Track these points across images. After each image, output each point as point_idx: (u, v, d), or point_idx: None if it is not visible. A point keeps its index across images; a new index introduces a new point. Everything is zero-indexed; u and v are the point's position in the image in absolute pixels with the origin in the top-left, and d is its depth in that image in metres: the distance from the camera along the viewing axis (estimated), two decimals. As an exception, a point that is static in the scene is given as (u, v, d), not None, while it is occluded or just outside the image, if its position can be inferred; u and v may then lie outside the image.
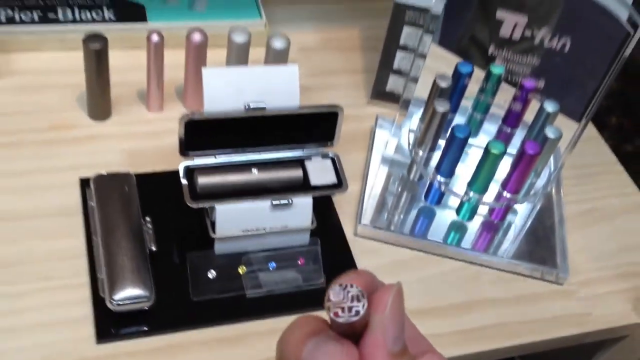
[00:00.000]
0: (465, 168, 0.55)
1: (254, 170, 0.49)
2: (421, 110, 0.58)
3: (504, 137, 0.58)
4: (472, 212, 0.56)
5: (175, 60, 0.58)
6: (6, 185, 0.52)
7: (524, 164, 0.52)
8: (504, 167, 0.54)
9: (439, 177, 0.54)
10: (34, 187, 0.52)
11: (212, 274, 0.49)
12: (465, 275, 0.53)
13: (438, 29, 0.54)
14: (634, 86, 0.84)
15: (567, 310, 0.52)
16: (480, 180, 0.53)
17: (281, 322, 0.47)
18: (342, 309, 0.25)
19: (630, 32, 0.48)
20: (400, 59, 0.62)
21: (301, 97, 0.49)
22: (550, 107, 0.54)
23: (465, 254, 0.54)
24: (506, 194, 0.54)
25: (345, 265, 0.52)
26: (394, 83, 0.64)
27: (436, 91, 0.54)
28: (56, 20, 0.62)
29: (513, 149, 0.56)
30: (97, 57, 0.54)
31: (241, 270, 0.49)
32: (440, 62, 0.57)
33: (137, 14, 0.64)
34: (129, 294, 0.45)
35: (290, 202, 0.49)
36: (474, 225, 0.56)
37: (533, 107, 0.57)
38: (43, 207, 0.51)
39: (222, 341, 0.47)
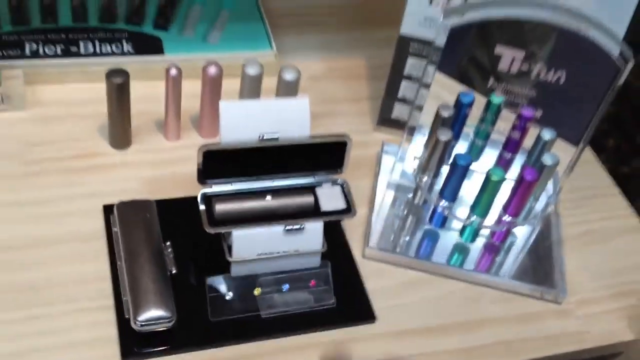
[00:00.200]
0: (468, 192, 0.58)
1: (268, 197, 0.52)
2: (425, 137, 0.61)
3: (504, 163, 0.61)
4: (475, 235, 0.59)
5: (190, 90, 0.61)
6: (34, 212, 0.55)
7: (522, 189, 0.55)
8: (505, 191, 0.57)
9: (442, 202, 0.57)
10: (60, 214, 0.56)
11: (229, 295, 0.52)
12: (468, 295, 0.56)
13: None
14: (630, 110, 0.87)
15: (565, 329, 0.55)
16: (481, 204, 0.56)
17: (295, 341, 0.51)
18: None
19: (620, 67, 0.51)
20: (405, 88, 0.65)
21: (311, 124, 0.52)
22: (547, 135, 0.57)
23: (468, 275, 0.57)
24: (506, 218, 0.57)
25: (354, 286, 0.55)
26: (399, 111, 0.67)
27: (439, 121, 0.57)
28: (78, 54, 0.66)
29: (514, 173, 0.59)
30: (119, 90, 0.57)
31: (256, 291, 0.52)
32: (442, 88, 0.60)
33: (155, 46, 0.68)
34: (152, 315, 0.48)
35: (302, 227, 0.52)
36: (476, 247, 0.59)
37: (533, 132, 0.60)
38: (69, 233, 0.54)
39: (240, 359, 0.49)
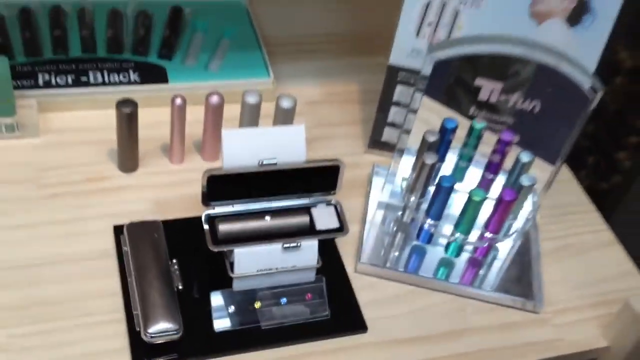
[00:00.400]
0: (452, 210, 0.62)
1: (267, 217, 0.56)
2: (413, 159, 0.65)
3: (486, 183, 0.65)
4: (459, 250, 0.63)
5: (193, 116, 0.65)
6: (49, 233, 0.59)
7: (502, 208, 0.60)
8: (487, 209, 0.61)
9: (428, 220, 0.62)
10: (73, 234, 0.59)
11: (231, 308, 0.56)
12: (453, 306, 0.60)
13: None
14: (607, 131, 0.92)
15: (543, 336, 0.59)
16: (464, 222, 0.60)
17: (293, 350, 0.55)
18: None
19: (590, 98, 0.56)
20: (394, 113, 0.70)
21: (307, 146, 0.55)
22: (525, 157, 0.62)
23: (453, 288, 0.61)
24: (488, 234, 0.61)
25: (346, 299, 0.59)
26: (388, 134, 0.71)
27: (425, 145, 0.62)
28: (88, 83, 0.69)
29: (495, 192, 0.63)
30: (128, 119, 0.61)
31: (257, 305, 0.56)
32: (429, 112, 0.64)
33: (159, 75, 0.72)
34: (161, 327, 0.52)
35: (299, 244, 0.56)
36: (460, 262, 0.63)
37: (512, 154, 0.64)
38: (82, 252, 0.58)
39: (242, 367, 0.54)
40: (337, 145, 0.71)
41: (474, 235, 0.62)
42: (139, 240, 0.57)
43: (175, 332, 0.52)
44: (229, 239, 0.55)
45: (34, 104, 0.66)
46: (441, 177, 0.60)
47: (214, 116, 0.65)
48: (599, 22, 0.62)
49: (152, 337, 0.52)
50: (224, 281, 0.56)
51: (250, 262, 0.55)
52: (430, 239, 0.63)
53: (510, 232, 0.63)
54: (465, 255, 0.63)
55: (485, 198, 0.59)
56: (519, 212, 0.63)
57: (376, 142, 0.71)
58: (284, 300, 0.57)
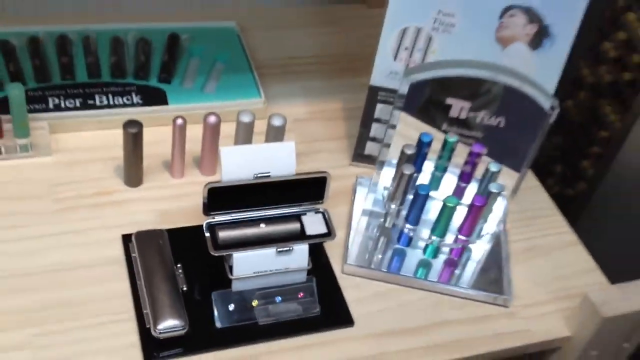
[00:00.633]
0: (429, 216, 0.68)
1: (262, 225, 0.61)
2: (393, 170, 0.71)
3: (459, 191, 0.71)
4: (436, 252, 0.69)
5: (190, 133, 0.69)
6: (64, 242, 0.64)
7: (473, 213, 0.66)
8: (461, 214, 0.68)
9: (408, 225, 0.68)
10: (86, 242, 0.64)
11: (231, 307, 0.61)
12: (431, 302, 0.65)
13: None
14: (573, 141, 0.98)
15: (512, 328, 0.64)
16: (440, 227, 0.67)
17: (287, 343, 0.61)
18: None
19: (550, 115, 0.63)
20: (376, 129, 0.75)
21: (296, 160, 0.60)
22: (493, 167, 0.68)
23: (431, 285, 0.66)
24: (461, 237, 0.68)
25: (335, 297, 0.64)
26: (370, 148, 0.76)
27: (404, 157, 0.68)
28: (94, 106, 0.74)
29: (468, 199, 0.69)
30: (134, 138, 0.67)
31: (254, 303, 0.61)
32: (407, 128, 0.69)
33: (160, 97, 0.76)
34: (169, 324, 0.57)
35: (291, 248, 0.61)
36: (437, 262, 0.68)
37: (483, 164, 0.70)
38: (94, 259, 0.63)
39: (241, 359, 0.59)
40: (323, 158, 0.76)
41: (449, 238, 0.68)
42: (146, 247, 0.62)
43: (181, 328, 0.58)
44: (228, 245, 0.60)
45: (46, 126, 0.71)
46: (418, 186, 0.66)
47: (212, 134, 0.70)
48: (558, 46, 0.68)
49: (160, 333, 0.57)
50: (223, 283, 0.61)
51: (247, 265, 0.60)
52: (409, 242, 0.69)
53: (482, 234, 0.69)
54: (441, 257, 0.69)
55: (458, 204, 0.66)
56: (488, 216, 0.69)
57: (359, 156, 0.77)
58: (278, 298, 0.62)
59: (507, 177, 0.69)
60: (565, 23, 0.67)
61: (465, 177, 0.70)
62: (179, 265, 0.62)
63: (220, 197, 0.60)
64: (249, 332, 0.60)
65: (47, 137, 0.71)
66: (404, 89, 0.66)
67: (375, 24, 0.69)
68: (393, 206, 0.68)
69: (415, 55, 0.70)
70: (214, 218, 0.61)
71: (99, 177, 0.71)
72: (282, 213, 0.62)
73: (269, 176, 0.60)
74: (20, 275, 0.61)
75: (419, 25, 0.68)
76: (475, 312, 0.65)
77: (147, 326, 0.58)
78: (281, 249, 0.60)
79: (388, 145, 0.69)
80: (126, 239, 0.65)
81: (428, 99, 0.68)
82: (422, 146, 0.69)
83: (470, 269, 0.69)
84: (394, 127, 0.68)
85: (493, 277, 0.68)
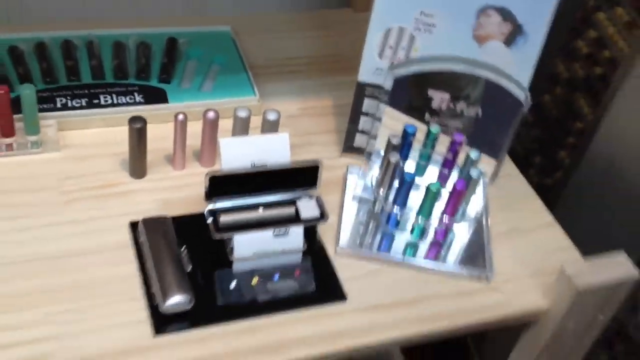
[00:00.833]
0: (415, 200, 0.73)
1: (260, 209, 0.66)
2: (380, 160, 0.76)
3: (443, 177, 0.76)
4: (422, 233, 0.74)
5: (190, 130, 0.74)
6: (75, 230, 0.68)
7: (455, 196, 0.71)
8: (445, 199, 0.73)
9: (395, 208, 0.73)
10: (96, 230, 0.69)
11: (232, 285, 0.66)
12: (419, 279, 0.70)
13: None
14: (550, 132, 1.03)
15: (493, 301, 0.69)
16: (425, 209, 0.72)
17: (284, 317, 0.65)
18: None
19: (524, 105, 0.68)
20: (364, 122, 0.80)
21: (290, 153, 0.65)
22: (473, 154, 0.73)
23: (418, 264, 0.71)
24: (445, 219, 0.73)
25: (328, 275, 0.68)
26: (359, 140, 0.81)
27: (390, 147, 0.73)
28: (99, 105, 0.79)
29: (450, 184, 0.74)
30: (138, 133, 0.71)
31: (253, 281, 0.66)
32: (393, 120, 0.74)
33: (160, 97, 0.81)
34: (176, 300, 0.62)
35: (287, 231, 0.66)
36: (424, 243, 0.73)
37: (464, 152, 0.75)
38: (104, 244, 0.67)
39: (243, 332, 0.63)
40: (316, 150, 0.81)
41: (434, 220, 0.73)
42: (153, 232, 0.67)
43: (187, 304, 0.62)
44: (229, 228, 0.65)
45: (54, 124, 0.76)
46: (404, 173, 0.71)
47: (211, 129, 0.75)
48: (531, 43, 0.72)
49: (168, 308, 0.62)
50: (225, 263, 0.66)
51: (247, 246, 0.65)
52: (397, 224, 0.74)
53: (465, 216, 0.74)
54: (427, 237, 0.74)
55: (440, 188, 0.71)
56: (470, 199, 0.74)
57: (349, 147, 0.82)
58: (276, 277, 0.67)
59: (486, 164, 0.74)
60: (537, 22, 0.71)
61: (447, 164, 0.76)
62: (184, 248, 0.67)
63: (221, 185, 0.64)
64: (250, 307, 0.65)
65: (56, 135, 0.76)
66: (388, 84, 0.71)
67: (361, 26, 0.74)
68: (381, 192, 0.73)
69: (399, 53, 0.74)
70: (215, 204, 0.65)
71: (105, 171, 0.75)
72: (278, 199, 0.67)
73: (265, 165, 0.65)
74: (34, 259, 0.66)
75: (402, 25, 0.72)
76: (459, 288, 0.70)
77: (156, 303, 0.62)
78: (278, 232, 0.65)
79: (375, 137, 0.74)
80: (134, 225, 0.69)
81: (412, 93, 0.72)
82: (407, 136, 0.74)
83: (455, 249, 0.73)
84: (380, 119, 0.73)
85: (475, 255, 0.72)
